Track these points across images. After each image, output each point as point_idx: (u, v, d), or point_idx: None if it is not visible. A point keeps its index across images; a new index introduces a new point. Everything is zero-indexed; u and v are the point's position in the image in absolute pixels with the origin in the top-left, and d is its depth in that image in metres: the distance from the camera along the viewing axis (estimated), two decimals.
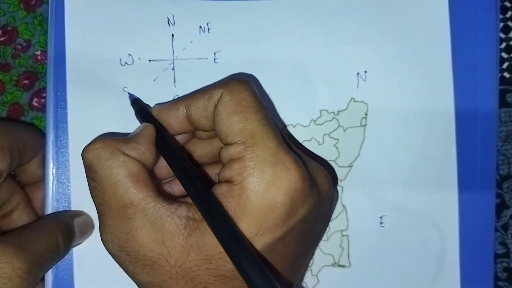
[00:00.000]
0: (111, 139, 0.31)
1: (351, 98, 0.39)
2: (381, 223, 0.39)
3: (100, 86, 0.38)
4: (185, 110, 0.33)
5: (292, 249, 0.32)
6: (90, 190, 0.31)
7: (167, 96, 0.38)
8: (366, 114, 0.39)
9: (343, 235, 0.39)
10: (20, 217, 0.38)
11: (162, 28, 0.38)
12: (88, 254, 0.38)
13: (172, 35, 0.38)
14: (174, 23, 0.38)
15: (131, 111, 0.38)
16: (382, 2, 0.39)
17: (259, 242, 0.29)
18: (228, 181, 0.30)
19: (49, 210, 0.38)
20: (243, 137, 0.30)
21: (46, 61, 0.39)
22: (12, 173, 0.39)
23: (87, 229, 0.38)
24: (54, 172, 0.38)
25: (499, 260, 0.41)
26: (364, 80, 0.39)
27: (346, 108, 0.39)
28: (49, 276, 0.38)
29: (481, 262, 0.40)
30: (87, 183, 0.31)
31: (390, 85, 0.39)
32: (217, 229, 0.28)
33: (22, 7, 0.40)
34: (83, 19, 0.38)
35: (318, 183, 0.32)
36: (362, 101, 0.39)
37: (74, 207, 0.38)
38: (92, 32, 0.38)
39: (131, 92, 0.38)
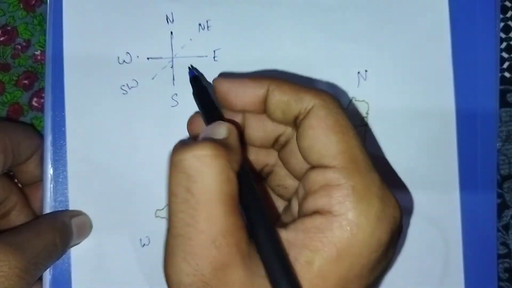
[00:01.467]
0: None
1: (352, 97, 0.39)
2: None
3: (98, 84, 0.38)
4: (265, 91, 0.29)
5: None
6: (176, 202, 0.26)
7: (166, 94, 0.38)
8: (367, 113, 0.39)
9: None
10: (17, 217, 0.38)
11: (160, 26, 0.38)
12: (86, 255, 0.38)
13: (171, 32, 0.38)
14: (173, 21, 0.38)
15: (130, 110, 0.38)
16: (382, 1, 0.39)
17: (356, 286, 0.26)
18: (323, 212, 0.26)
19: (47, 210, 0.38)
20: (343, 161, 0.26)
21: (45, 61, 0.39)
22: (11, 173, 0.39)
23: (85, 229, 0.38)
24: (52, 172, 0.38)
25: (501, 261, 0.41)
26: (365, 79, 0.39)
27: (347, 107, 0.39)
28: (46, 276, 0.37)
29: (484, 262, 0.39)
30: (172, 191, 0.26)
31: (391, 85, 0.39)
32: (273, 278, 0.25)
33: (21, 7, 0.40)
34: (81, 17, 0.38)
35: None
36: (363, 100, 0.39)
37: (72, 207, 0.38)
38: (90, 30, 0.38)
39: (129, 88, 0.38)
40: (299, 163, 0.29)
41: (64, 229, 0.35)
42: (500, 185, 0.41)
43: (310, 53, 0.39)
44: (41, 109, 0.40)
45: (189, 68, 0.38)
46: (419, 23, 0.39)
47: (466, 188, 0.39)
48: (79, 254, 0.38)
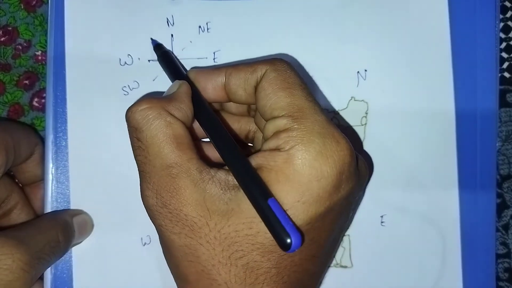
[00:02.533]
0: (157, 99, 0.31)
1: (352, 97, 0.39)
2: (382, 222, 0.39)
3: (100, 86, 0.38)
4: (224, 78, 0.33)
5: (330, 229, 0.31)
6: (133, 149, 0.31)
7: None
8: (366, 113, 0.39)
9: (344, 235, 0.39)
10: (19, 216, 0.38)
11: (161, 28, 0.38)
12: (87, 254, 0.38)
13: (172, 35, 0.39)
14: (173, 24, 0.39)
15: None
16: (382, 1, 0.39)
17: (302, 212, 0.29)
18: (273, 150, 0.30)
19: (49, 209, 0.38)
20: (290, 110, 0.30)
21: (46, 61, 0.39)
22: (11, 173, 0.39)
23: (86, 228, 0.38)
24: (53, 172, 0.38)
25: (500, 261, 0.41)
26: (365, 79, 0.39)
27: (347, 107, 0.39)
28: (48, 275, 0.38)
29: (482, 262, 0.39)
30: (131, 143, 0.32)
31: (390, 84, 0.39)
32: (250, 192, 0.28)
33: (22, 7, 0.40)
34: (83, 19, 0.38)
35: (360, 165, 0.32)
36: (363, 100, 0.39)
37: (73, 207, 0.38)
38: (92, 32, 0.38)
39: (130, 90, 0.39)
40: None
41: (66, 227, 0.36)
42: (500, 185, 0.41)
43: (310, 54, 0.39)
44: (41, 109, 0.40)
45: (151, 38, 0.39)
46: (419, 23, 0.39)
47: (465, 188, 0.39)
48: (81, 253, 0.38)
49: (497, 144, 0.40)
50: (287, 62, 0.32)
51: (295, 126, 0.29)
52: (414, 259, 0.40)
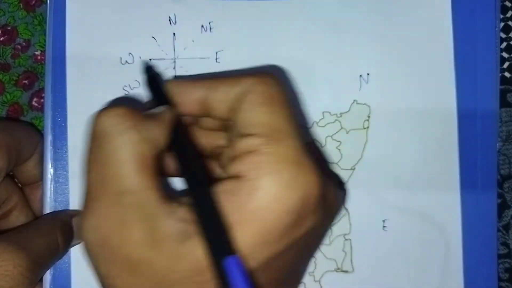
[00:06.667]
0: (134, 110, 0.27)
1: (354, 100, 0.39)
2: (383, 226, 0.39)
3: (100, 85, 0.38)
4: (203, 92, 0.29)
5: (290, 265, 0.28)
6: (89, 161, 0.27)
7: None
8: (368, 117, 0.39)
9: (346, 239, 0.39)
10: (18, 218, 0.38)
11: (163, 27, 0.38)
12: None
13: (174, 34, 0.38)
14: (175, 22, 0.38)
15: None
16: (384, 4, 0.39)
17: (261, 253, 0.26)
18: (237, 176, 0.26)
19: (48, 210, 0.38)
20: (265, 129, 0.27)
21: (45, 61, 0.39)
22: (11, 173, 0.39)
23: None
24: (52, 172, 0.38)
25: (501, 261, 0.41)
26: (367, 82, 0.39)
27: (349, 110, 0.39)
28: (47, 276, 0.37)
29: (484, 263, 0.39)
30: (87, 152, 0.28)
31: (392, 87, 0.39)
32: (207, 238, 0.25)
33: (21, 7, 0.40)
34: (84, 17, 0.38)
35: (329, 197, 0.29)
36: (365, 103, 0.39)
37: (72, 207, 0.38)
38: (93, 30, 0.38)
39: (131, 89, 0.38)
40: None
41: (66, 228, 0.35)
42: (500, 185, 0.41)
43: (312, 56, 0.39)
44: (41, 109, 0.40)
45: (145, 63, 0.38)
46: (421, 26, 0.39)
47: (466, 188, 0.39)
48: (79, 254, 0.38)
49: (497, 144, 0.40)
50: (274, 77, 0.29)
51: (265, 150, 0.26)
52: (416, 262, 0.39)
